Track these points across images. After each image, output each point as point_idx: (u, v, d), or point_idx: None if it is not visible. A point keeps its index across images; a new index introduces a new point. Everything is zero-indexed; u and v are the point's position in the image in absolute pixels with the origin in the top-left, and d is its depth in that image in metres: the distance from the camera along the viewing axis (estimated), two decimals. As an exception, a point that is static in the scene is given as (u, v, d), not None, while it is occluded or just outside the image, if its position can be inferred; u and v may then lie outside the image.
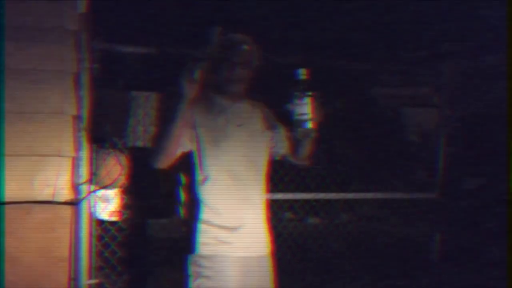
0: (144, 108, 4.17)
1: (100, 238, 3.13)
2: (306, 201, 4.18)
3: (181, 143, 2.42)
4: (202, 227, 2.45)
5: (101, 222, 2.82)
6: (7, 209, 2.84)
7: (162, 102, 4.20)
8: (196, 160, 2.47)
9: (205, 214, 2.45)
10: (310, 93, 2.30)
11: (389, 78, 4.85)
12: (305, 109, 2.31)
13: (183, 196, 2.54)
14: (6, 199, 2.84)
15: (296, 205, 4.44)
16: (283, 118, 2.50)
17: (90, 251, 3.04)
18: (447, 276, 3.96)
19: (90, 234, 3.03)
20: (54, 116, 2.91)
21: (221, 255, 2.44)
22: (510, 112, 3.50)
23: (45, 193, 2.90)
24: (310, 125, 2.33)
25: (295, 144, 2.59)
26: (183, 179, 2.53)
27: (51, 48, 2.93)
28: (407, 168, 4.62)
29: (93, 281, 3.06)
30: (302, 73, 2.32)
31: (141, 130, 4.18)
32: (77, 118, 2.96)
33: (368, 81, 4.90)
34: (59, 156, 2.93)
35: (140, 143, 4.20)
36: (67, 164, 2.95)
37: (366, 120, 5.00)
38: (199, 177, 2.46)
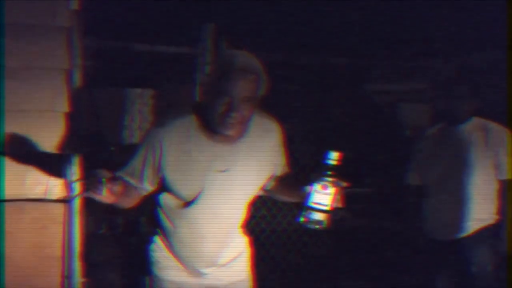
0: (138, 105, 4.17)
1: (93, 235, 3.12)
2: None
3: (134, 194, 2.10)
4: (157, 243, 2.22)
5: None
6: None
7: (155, 98, 4.20)
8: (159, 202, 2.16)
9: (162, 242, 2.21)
10: (340, 184, 1.90)
11: (383, 74, 4.84)
12: (326, 199, 1.91)
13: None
14: (-1, 197, 2.84)
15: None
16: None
17: (83, 249, 3.03)
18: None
19: (83, 232, 3.02)
20: (45, 114, 2.90)
21: (178, 281, 2.21)
22: (510, 110, 3.50)
23: (37, 191, 2.89)
24: (321, 216, 1.94)
25: (287, 192, 2.23)
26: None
27: (43, 45, 2.91)
28: (401, 163, 4.61)
29: (86, 279, 3.05)
30: (334, 158, 1.89)
31: (136, 127, 4.18)
32: (69, 115, 2.94)
33: (361, 77, 4.90)
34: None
35: (134, 140, 4.20)
36: (59, 162, 2.94)
37: (361, 116, 5.00)
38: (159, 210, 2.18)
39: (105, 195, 1.87)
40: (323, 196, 1.91)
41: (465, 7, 3.80)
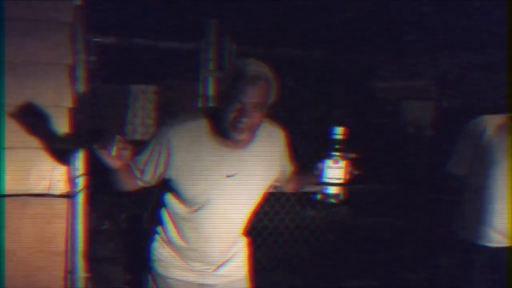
0: (141, 101, 4.17)
1: (96, 231, 3.12)
2: (304, 193, 4.18)
3: (133, 180, 2.16)
4: (160, 241, 2.26)
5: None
6: (3, 202, 2.84)
7: (158, 95, 4.20)
8: (165, 200, 2.20)
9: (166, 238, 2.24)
10: (349, 156, 2.01)
11: (386, 71, 4.84)
12: (338, 172, 2.01)
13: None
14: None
15: (293, 198, 4.43)
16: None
17: (87, 244, 3.03)
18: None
19: (86, 227, 3.03)
20: (49, 109, 2.90)
21: (180, 279, 2.25)
22: (510, 108, 3.48)
23: (40, 186, 2.89)
24: (337, 190, 2.04)
25: (297, 184, 2.35)
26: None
27: (46, 41, 2.91)
28: (405, 160, 4.60)
29: (89, 275, 3.06)
30: (339, 132, 2.00)
31: (139, 123, 4.18)
32: (73, 111, 2.95)
33: (365, 75, 4.89)
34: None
35: (137, 136, 4.20)
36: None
37: (365, 113, 5.00)
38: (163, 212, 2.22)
39: (113, 155, 1.92)
40: (335, 170, 2.01)
41: (469, 5, 3.80)
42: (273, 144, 2.22)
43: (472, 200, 2.89)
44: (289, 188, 2.42)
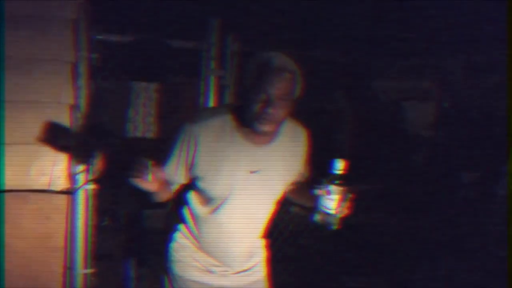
0: (143, 99, 4.18)
1: (96, 227, 3.13)
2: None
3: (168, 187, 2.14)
4: (179, 242, 2.24)
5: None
6: (4, 197, 2.85)
7: (160, 92, 4.21)
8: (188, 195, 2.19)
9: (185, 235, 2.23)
10: (341, 189, 2.01)
11: (388, 71, 4.84)
12: (331, 203, 2.02)
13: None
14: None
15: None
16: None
17: (86, 241, 3.04)
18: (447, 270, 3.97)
19: (86, 224, 3.03)
20: (50, 105, 2.91)
21: (199, 281, 2.23)
22: (510, 107, 3.48)
23: (41, 182, 2.90)
24: (331, 219, 2.05)
25: (303, 194, 2.28)
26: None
27: (49, 37, 2.92)
28: (406, 160, 4.61)
29: (88, 271, 3.07)
30: (339, 167, 1.99)
31: (140, 121, 4.19)
32: (75, 107, 2.96)
33: (368, 75, 4.89)
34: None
35: (138, 133, 4.21)
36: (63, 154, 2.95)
37: (367, 113, 5.00)
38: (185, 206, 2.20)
39: (150, 181, 1.92)
40: (328, 201, 2.02)
41: (469, 5, 3.80)
42: (296, 143, 2.22)
43: None
44: (295, 196, 2.38)
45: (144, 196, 2.10)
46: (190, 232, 2.21)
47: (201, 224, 2.18)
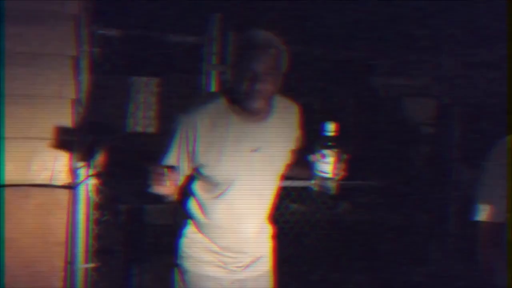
0: (144, 93, 4.18)
1: (97, 222, 3.13)
2: (304, 188, 4.18)
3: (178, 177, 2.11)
4: (189, 237, 2.22)
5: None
6: (5, 191, 2.85)
7: (161, 87, 4.21)
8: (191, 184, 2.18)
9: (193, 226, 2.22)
10: (335, 151, 2.00)
11: (388, 68, 4.84)
12: (327, 167, 2.01)
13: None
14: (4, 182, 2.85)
15: (294, 193, 4.44)
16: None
17: (87, 235, 3.05)
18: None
19: (87, 218, 3.04)
20: (52, 100, 2.91)
21: (212, 276, 2.22)
22: (510, 106, 3.48)
23: (42, 177, 2.91)
24: (328, 183, 2.06)
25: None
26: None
27: (51, 32, 2.92)
28: (406, 157, 4.61)
29: (89, 265, 3.07)
30: (331, 129, 2.00)
31: (141, 115, 4.19)
32: (76, 102, 2.95)
33: (367, 71, 4.90)
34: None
35: (139, 128, 4.21)
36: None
37: (367, 110, 5.00)
38: (189, 193, 2.19)
39: (168, 186, 1.95)
40: (324, 165, 2.02)
41: (472, 2, 3.80)
42: (289, 117, 2.24)
43: None
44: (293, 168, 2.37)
45: (146, 192, 2.11)
46: (200, 224, 2.20)
47: (210, 211, 2.17)
